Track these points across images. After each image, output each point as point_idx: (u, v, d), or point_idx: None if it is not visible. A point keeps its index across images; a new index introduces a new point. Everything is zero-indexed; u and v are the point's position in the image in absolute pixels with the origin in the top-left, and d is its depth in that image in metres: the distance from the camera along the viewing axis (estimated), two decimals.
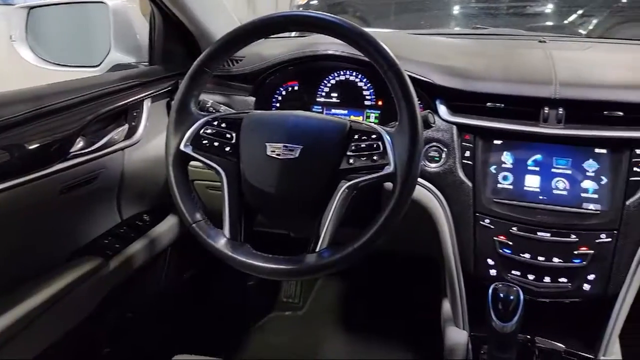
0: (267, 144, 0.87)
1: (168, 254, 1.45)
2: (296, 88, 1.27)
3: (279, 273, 0.83)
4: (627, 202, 0.96)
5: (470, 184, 1.04)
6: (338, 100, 1.24)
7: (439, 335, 1.16)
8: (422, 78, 1.08)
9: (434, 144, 1.07)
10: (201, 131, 0.91)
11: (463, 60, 1.16)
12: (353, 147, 0.85)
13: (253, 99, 1.25)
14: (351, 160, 0.84)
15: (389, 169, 0.81)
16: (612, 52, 1.35)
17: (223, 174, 0.89)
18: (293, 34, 1.58)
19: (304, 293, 1.91)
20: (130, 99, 1.18)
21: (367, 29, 0.85)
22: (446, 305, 1.15)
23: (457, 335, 1.09)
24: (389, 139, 0.83)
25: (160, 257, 1.42)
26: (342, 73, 1.23)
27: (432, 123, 0.92)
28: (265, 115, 0.93)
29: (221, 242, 0.86)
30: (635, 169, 0.97)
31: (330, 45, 1.19)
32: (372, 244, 0.81)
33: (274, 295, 1.91)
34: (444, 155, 1.07)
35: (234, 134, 0.90)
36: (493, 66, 1.13)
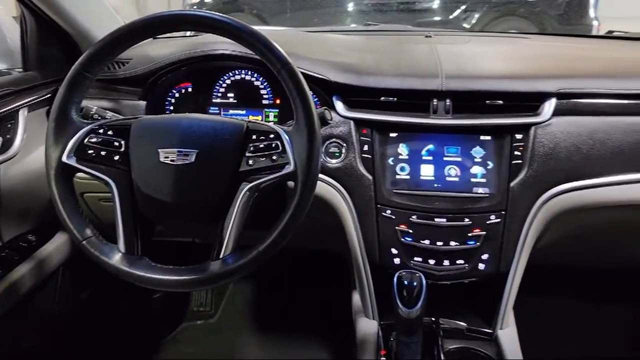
0: (159, 150, 0.83)
1: (60, 274, 1.34)
2: (190, 90, 1.22)
3: (182, 284, 0.80)
4: (512, 184, 1.04)
5: (370, 177, 1.07)
6: (235, 101, 1.22)
7: (352, 328, 1.18)
8: (317, 75, 1.09)
9: (334, 139, 1.09)
10: (85, 140, 0.85)
11: (356, 57, 1.18)
12: (252, 148, 0.84)
13: (143, 103, 1.19)
14: (250, 162, 0.83)
15: (289, 167, 0.81)
16: (490, 44, 1.45)
17: (113, 184, 0.84)
18: (188, 33, 1.52)
19: (216, 300, 1.86)
20: (3, 109, 1.07)
21: (262, 27, 0.83)
22: (356, 298, 1.17)
23: (368, 326, 1.11)
24: (287, 137, 0.83)
25: (51, 279, 1.30)
26: (237, 72, 1.21)
27: (329, 120, 0.93)
28: (156, 119, 0.89)
29: (116, 258, 0.81)
30: (515, 152, 1.04)
31: (222, 44, 1.15)
32: (278, 245, 0.80)
33: (184, 305, 1.84)
34: (343, 151, 1.08)
35: (122, 142, 0.85)
36: (384, 61, 1.16)
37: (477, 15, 4.27)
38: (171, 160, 0.82)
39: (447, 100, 1.05)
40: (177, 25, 0.87)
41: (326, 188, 1.08)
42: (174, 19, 0.84)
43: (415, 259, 1.06)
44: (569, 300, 1.71)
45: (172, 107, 1.23)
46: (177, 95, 1.22)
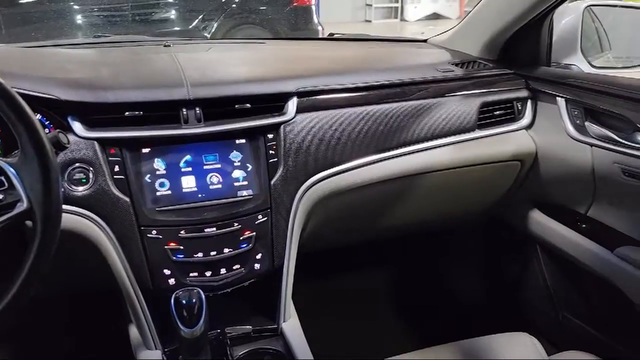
0: None
1: None
2: None
3: None
4: (272, 182, 1.08)
5: (127, 199, 0.99)
6: None
7: None
8: (43, 95, 0.95)
9: (77, 164, 0.97)
10: None
11: (88, 71, 1.08)
12: None
13: None
14: None
15: (22, 205, 0.70)
16: (231, 51, 1.49)
17: None
18: None
19: None
20: None
21: None
22: (133, 331, 1.07)
23: (150, 357, 1.04)
24: (13, 171, 0.71)
25: None
26: None
27: (66, 143, 0.82)
28: None
29: None
30: (270, 151, 1.09)
31: None
32: (23, 298, 0.69)
33: None
34: (91, 175, 0.97)
35: None
36: (122, 74, 1.09)
37: (215, 25, 4.42)
38: None
39: (197, 109, 1.03)
40: None
41: (76, 220, 0.96)
42: None
43: (191, 274, 1.02)
44: (342, 278, 1.89)
45: None
46: None
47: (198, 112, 1.03)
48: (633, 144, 1.12)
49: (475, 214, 1.59)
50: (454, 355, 1.03)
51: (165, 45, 1.38)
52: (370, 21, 11.98)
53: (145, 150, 1.02)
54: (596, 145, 1.20)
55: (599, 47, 1.55)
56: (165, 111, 1.02)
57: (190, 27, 4.08)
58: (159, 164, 1.02)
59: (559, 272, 1.49)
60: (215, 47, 1.46)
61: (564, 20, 1.37)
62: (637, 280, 1.16)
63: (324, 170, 1.14)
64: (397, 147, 1.23)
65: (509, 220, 1.55)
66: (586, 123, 1.23)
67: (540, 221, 1.44)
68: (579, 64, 1.38)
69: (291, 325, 1.13)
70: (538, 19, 1.27)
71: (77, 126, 0.98)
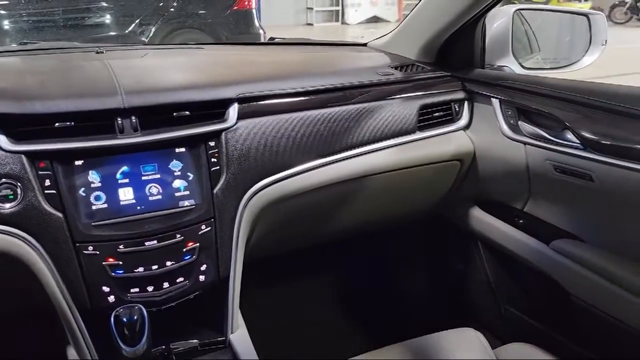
0: None
1: None
2: None
3: None
4: (215, 191, 1.05)
5: (60, 214, 0.94)
6: None
7: None
8: None
9: (3, 180, 0.91)
10: None
11: (12, 81, 1.02)
12: None
13: None
14: None
15: None
16: (167, 57, 1.45)
17: None
18: None
19: None
20: None
21: None
22: (71, 353, 1.02)
23: None
24: None
25: None
26: None
27: None
28: None
29: None
30: (212, 160, 1.06)
31: None
32: None
33: None
34: (19, 191, 0.92)
35: None
36: (50, 83, 1.03)
37: (153, 29, 4.29)
38: None
39: (133, 117, 0.99)
40: None
41: (2, 238, 0.90)
42: None
43: (132, 290, 0.98)
44: (290, 284, 1.88)
45: None
46: None
47: (134, 120, 0.99)
48: (563, 142, 1.17)
49: (419, 213, 1.62)
50: (402, 356, 1.04)
51: (97, 52, 1.32)
52: (311, 24, 12.07)
53: (78, 163, 0.97)
54: (529, 144, 1.25)
55: (529, 48, 1.62)
56: (98, 121, 0.98)
57: (127, 31, 3.94)
58: (93, 177, 0.98)
59: (500, 267, 1.54)
60: (151, 53, 1.41)
61: (496, 23, 1.43)
62: (572, 271, 1.22)
63: (268, 177, 1.13)
64: (340, 151, 1.23)
65: (452, 218, 1.59)
66: (519, 122, 1.27)
67: (481, 218, 1.49)
68: (511, 66, 1.43)
69: (239, 336, 1.10)
70: (471, 22, 1.31)
71: (1, 139, 0.92)
